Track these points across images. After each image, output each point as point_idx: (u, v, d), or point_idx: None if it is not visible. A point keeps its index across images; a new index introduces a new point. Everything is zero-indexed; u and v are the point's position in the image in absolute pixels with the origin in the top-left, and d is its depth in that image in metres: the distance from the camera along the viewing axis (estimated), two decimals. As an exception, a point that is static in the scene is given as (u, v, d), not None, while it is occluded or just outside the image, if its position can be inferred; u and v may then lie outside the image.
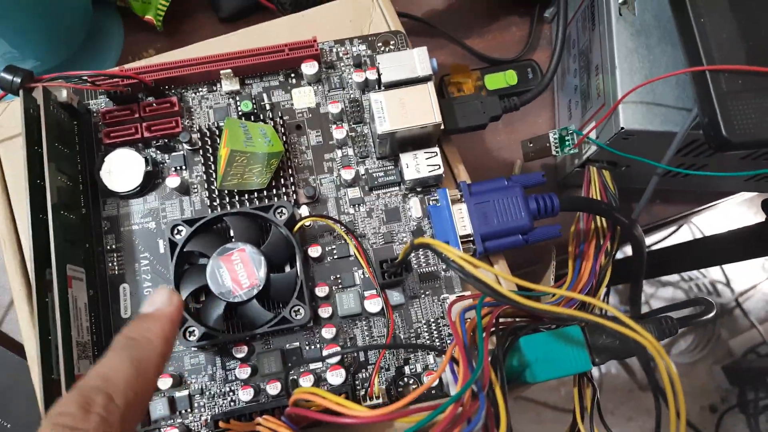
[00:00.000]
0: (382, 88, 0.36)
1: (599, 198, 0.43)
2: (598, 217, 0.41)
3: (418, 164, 0.37)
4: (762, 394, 1.26)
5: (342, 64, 0.41)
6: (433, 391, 0.36)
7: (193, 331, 0.33)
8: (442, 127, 0.36)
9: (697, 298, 0.39)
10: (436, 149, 0.37)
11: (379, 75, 0.36)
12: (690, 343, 1.34)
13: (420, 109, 0.35)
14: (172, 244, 0.34)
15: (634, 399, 1.29)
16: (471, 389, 0.27)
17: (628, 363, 1.33)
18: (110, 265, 0.37)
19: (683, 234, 1.32)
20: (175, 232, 0.34)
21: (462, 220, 0.37)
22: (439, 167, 0.37)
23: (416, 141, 0.37)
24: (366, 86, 0.40)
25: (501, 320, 0.35)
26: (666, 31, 0.40)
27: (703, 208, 0.63)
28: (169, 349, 0.25)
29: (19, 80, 0.34)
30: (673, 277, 1.38)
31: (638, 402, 1.29)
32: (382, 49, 0.41)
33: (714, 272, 1.38)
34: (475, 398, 0.27)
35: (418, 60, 0.35)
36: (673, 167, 0.38)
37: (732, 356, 1.36)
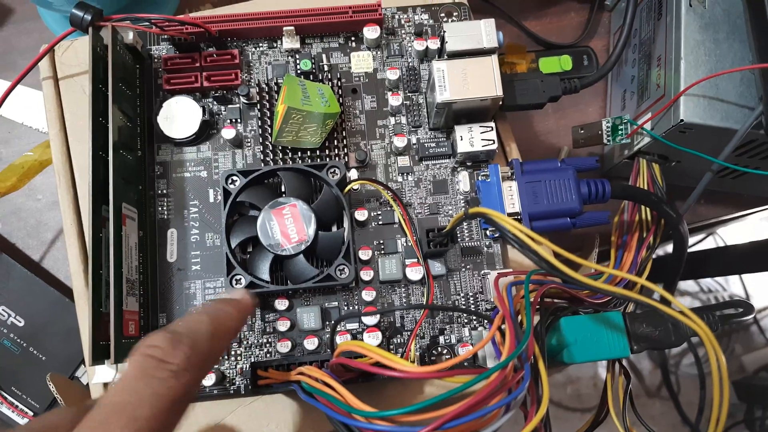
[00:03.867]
0: (445, 57, 0.36)
1: (646, 191, 0.42)
2: (643, 210, 0.41)
3: (473, 137, 0.37)
4: (770, 412, 1.25)
5: (403, 31, 0.41)
6: (465, 364, 0.36)
7: (240, 279, 0.34)
8: (501, 102, 0.36)
9: (736, 300, 0.39)
10: (492, 124, 0.37)
11: (444, 43, 0.36)
12: (702, 355, 1.33)
13: (482, 81, 0.35)
14: (226, 193, 0.35)
15: (642, 405, 1.29)
16: (514, 362, 0.27)
17: (638, 368, 1.33)
18: (160, 209, 0.38)
19: (708, 244, 1.30)
20: (229, 181, 0.35)
21: (511, 198, 0.36)
22: (494, 142, 0.37)
23: (472, 114, 0.37)
24: (425, 56, 0.40)
25: (543, 300, 0.35)
26: (735, 26, 0.40)
27: (734, 218, 0.62)
28: (239, 328, 0.28)
29: (89, 18, 0.34)
30: (693, 288, 1.37)
31: (644, 409, 1.29)
32: (445, 19, 0.41)
33: (734, 287, 1.37)
34: (518, 370, 0.27)
35: (484, 31, 0.35)
36: (730, 164, 0.37)
37: (743, 372, 1.35)
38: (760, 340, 1.36)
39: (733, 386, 1.30)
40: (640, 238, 0.41)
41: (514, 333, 0.27)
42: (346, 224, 0.35)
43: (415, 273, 0.36)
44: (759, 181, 0.47)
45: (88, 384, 0.36)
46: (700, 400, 0.33)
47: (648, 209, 0.41)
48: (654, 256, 0.43)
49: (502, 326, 0.30)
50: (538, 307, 0.33)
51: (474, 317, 0.37)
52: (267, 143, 0.38)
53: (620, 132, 0.43)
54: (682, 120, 0.38)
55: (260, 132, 0.38)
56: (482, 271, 0.38)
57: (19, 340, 0.46)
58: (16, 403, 0.45)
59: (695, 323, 0.26)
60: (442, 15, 0.41)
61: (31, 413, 0.45)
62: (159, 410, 0.20)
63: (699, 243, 1.26)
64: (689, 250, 0.42)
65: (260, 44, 0.40)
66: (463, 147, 0.37)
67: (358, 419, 0.25)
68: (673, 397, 1.15)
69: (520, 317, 0.32)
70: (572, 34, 0.52)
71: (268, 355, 0.36)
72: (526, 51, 0.49)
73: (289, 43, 0.39)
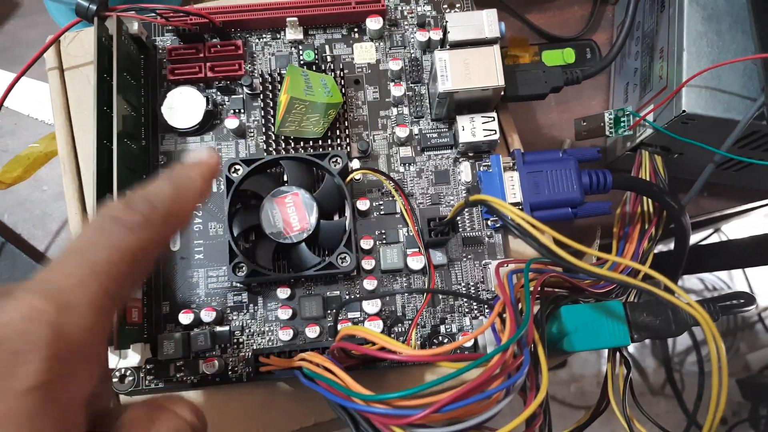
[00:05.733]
0: (447, 46, 0.36)
1: (648, 183, 0.42)
2: (645, 202, 0.41)
3: (474, 128, 0.37)
4: (774, 410, 1.24)
5: (406, 22, 0.41)
6: (466, 352, 0.36)
7: (242, 267, 0.34)
8: (503, 93, 0.36)
9: (737, 292, 0.39)
10: (494, 114, 0.37)
11: (446, 33, 0.36)
12: (707, 353, 1.33)
13: (484, 71, 0.35)
14: (229, 181, 0.35)
15: (645, 403, 1.28)
16: (513, 347, 0.27)
17: (641, 366, 1.33)
18: (164, 198, 0.38)
19: (712, 240, 1.30)
20: (232, 170, 0.35)
21: (512, 188, 0.37)
22: (495, 132, 0.37)
23: (474, 104, 0.37)
24: (428, 46, 0.40)
25: (544, 289, 0.35)
26: (738, 18, 0.40)
27: (737, 212, 0.62)
28: (207, 189, 0.26)
29: (95, 8, 0.35)
30: (697, 285, 1.36)
31: (648, 407, 1.28)
32: (447, 10, 0.41)
33: (739, 285, 1.36)
34: (517, 356, 0.27)
35: (486, 21, 0.35)
36: (732, 154, 0.37)
37: (748, 371, 1.35)
38: (765, 339, 1.36)
39: (737, 384, 1.30)
40: (642, 230, 0.41)
41: (514, 318, 0.27)
42: (347, 213, 0.35)
43: (416, 262, 0.37)
44: (762, 174, 0.47)
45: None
46: (699, 387, 0.33)
47: (650, 201, 0.41)
48: (656, 251, 0.44)
49: (503, 315, 0.30)
50: (538, 296, 0.33)
51: (475, 307, 0.37)
52: (270, 133, 0.38)
53: (622, 124, 0.43)
54: (684, 111, 0.38)
55: (263, 122, 0.39)
56: (483, 261, 0.38)
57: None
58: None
59: (695, 310, 0.26)
60: (445, 6, 0.41)
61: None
62: (115, 258, 0.21)
63: (704, 240, 1.26)
64: (692, 244, 0.42)
65: (263, 35, 0.40)
66: (464, 137, 0.37)
67: (357, 402, 0.25)
68: (677, 395, 1.14)
69: (520, 305, 0.32)
70: (575, 27, 0.52)
71: (270, 343, 0.36)
72: (529, 44, 0.49)
73: (293, 34, 0.40)
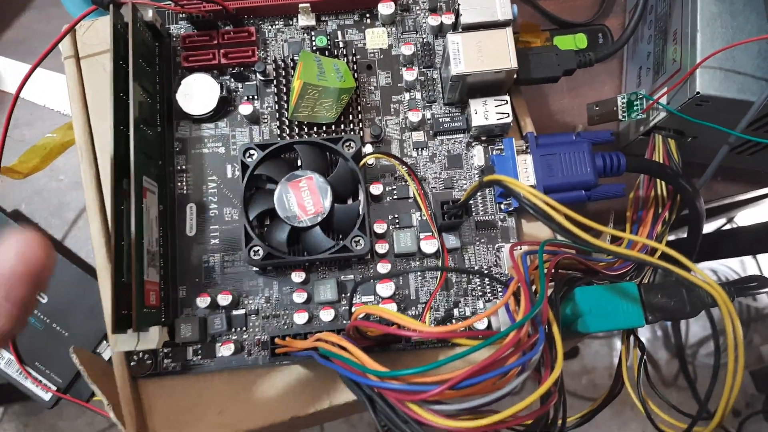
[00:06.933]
0: (460, 29, 0.36)
1: (662, 166, 0.42)
2: (659, 186, 0.41)
3: (487, 111, 0.37)
4: (789, 403, 1.23)
5: (417, 7, 0.41)
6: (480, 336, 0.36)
7: (258, 250, 0.34)
8: (516, 75, 0.36)
9: (752, 276, 0.39)
10: (507, 97, 0.37)
11: (458, 16, 0.36)
12: (721, 344, 1.32)
13: (496, 53, 0.35)
14: (244, 166, 0.35)
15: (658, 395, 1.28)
16: (528, 326, 0.27)
17: (654, 358, 1.32)
18: (179, 184, 0.38)
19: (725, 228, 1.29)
20: (247, 155, 0.35)
21: (525, 171, 0.37)
22: (508, 116, 0.37)
23: (487, 88, 0.37)
24: (440, 31, 0.40)
25: (558, 271, 0.35)
26: (752, -2, 0.39)
27: (748, 199, 0.62)
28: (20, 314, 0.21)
29: (110, -5, 0.35)
30: (710, 276, 1.35)
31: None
32: (459, -5, 0.41)
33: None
34: (532, 335, 0.27)
35: (498, 4, 0.35)
36: (747, 135, 0.37)
37: (762, 362, 1.34)
38: (779, 331, 1.35)
39: (751, 376, 1.29)
40: (656, 214, 0.41)
41: (529, 297, 0.27)
42: (361, 197, 0.36)
43: (429, 246, 0.37)
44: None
45: (110, 358, 0.37)
46: (712, 377, 0.33)
47: (664, 185, 0.41)
48: (670, 238, 0.43)
49: (518, 296, 0.30)
50: (552, 278, 0.33)
51: (488, 290, 0.37)
52: (283, 119, 0.39)
53: (636, 107, 0.42)
54: (698, 92, 0.37)
55: (276, 108, 0.39)
56: (497, 245, 0.38)
57: (42, 317, 0.47)
58: (40, 378, 0.46)
59: (712, 288, 0.26)
60: (457, -9, 0.41)
61: (54, 388, 0.46)
62: None
63: (720, 228, 1.25)
64: (705, 232, 0.42)
65: (276, 22, 0.40)
66: (477, 120, 0.37)
67: (371, 378, 0.26)
68: (690, 385, 1.14)
69: (534, 287, 0.33)
70: (588, 12, 0.52)
71: (285, 327, 0.36)
72: (540, 30, 0.49)
73: (305, 20, 0.40)
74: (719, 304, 0.26)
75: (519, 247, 0.36)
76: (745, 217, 1.26)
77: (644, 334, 1.31)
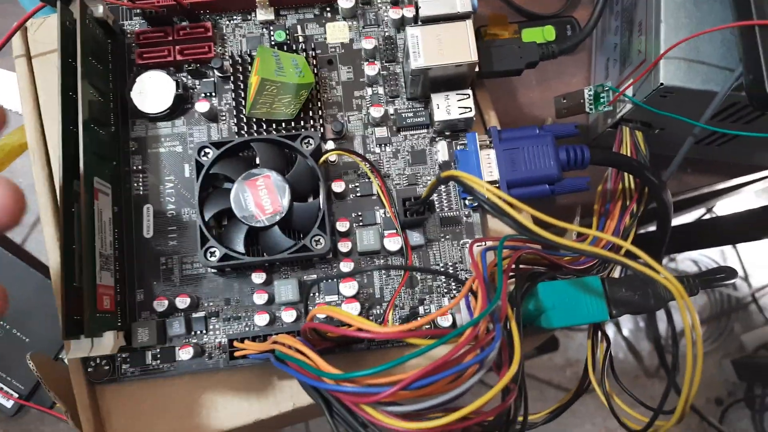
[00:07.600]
0: (419, 23, 0.35)
1: (630, 159, 0.42)
2: (626, 178, 0.41)
3: (449, 105, 0.37)
4: (770, 391, 1.25)
5: (379, 0, 0.40)
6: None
7: (214, 251, 0.33)
8: (477, 68, 0.35)
9: (720, 267, 0.38)
10: (469, 91, 0.37)
11: (417, 9, 0.35)
12: (702, 334, 1.33)
13: (457, 46, 0.34)
14: (199, 165, 0.34)
15: (640, 386, 1.29)
16: (486, 322, 0.26)
17: (636, 349, 1.33)
18: (135, 185, 0.37)
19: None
20: (202, 153, 0.35)
21: (489, 166, 0.36)
22: (471, 110, 0.36)
23: (449, 82, 0.36)
24: (402, 24, 0.39)
25: (520, 267, 0.34)
26: (716, -12, 0.39)
27: (727, 189, 0.62)
28: None
29: (57, -10, 0.34)
30: (691, 267, 1.36)
31: (643, 389, 1.29)
32: (421, -12, 0.40)
33: (732, 264, 1.36)
34: (490, 331, 0.27)
35: (458, -4, 0.34)
36: (711, 126, 0.37)
37: (743, 351, 1.35)
38: (760, 319, 1.36)
39: (732, 365, 1.31)
40: (623, 206, 0.40)
41: (486, 293, 0.26)
42: (321, 194, 0.35)
43: (393, 243, 0.36)
44: (746, 148, 0.46)
45: (69, 362, 0.36)
46: (672, 364, 0.32)
47: (632, 177, 0.40)
48: (642, 231, 0.43)
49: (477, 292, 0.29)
50: (513, 273, 0.33)
51: (453, 287, 0.36)
52: (242, 116, 0.38)
53: (602, 100, 0.42)
54: (662, 84, 0.37)
55: (234, 105, 0.38)
56: (462, 241, 0.37)
57: (2, 323, 0.46)
58: (1, 385, 0.45)
59: (669, 282, 0.26)
60: (418, -17, 0.40)
61: (16, 395, 0.45)
62: None
63: (699, 218, 1.25)
64: (681, 222, 0.42)
65: (234, 16, 0.39)
66: (440, 115, 0.37)
67: (327, 382, 0.25)
68: (668, 375, 1.14)
69: (495, 284, 0.32)
70: (556, 4, 0.51)
71: (246, 329, 0.36)
72: (508, 22, 0.49)
73: (264, 14, 0.39)
74: (676, 298, 0.26)
75: (483, 243, 0.36)
76: (724, 207, 1.27)
77: (627, 325, 1.32)
